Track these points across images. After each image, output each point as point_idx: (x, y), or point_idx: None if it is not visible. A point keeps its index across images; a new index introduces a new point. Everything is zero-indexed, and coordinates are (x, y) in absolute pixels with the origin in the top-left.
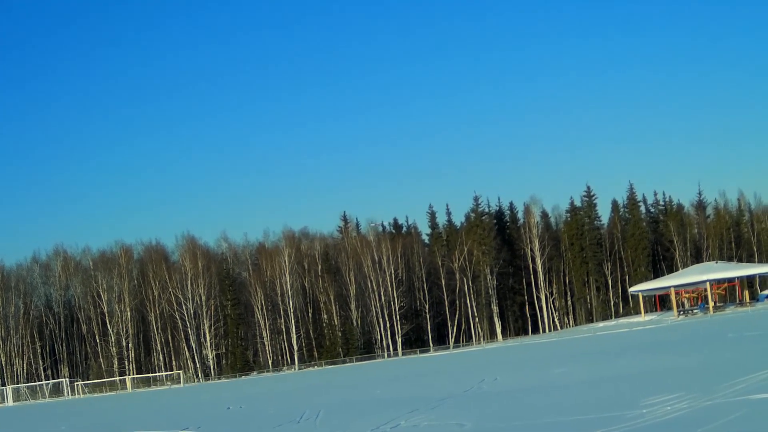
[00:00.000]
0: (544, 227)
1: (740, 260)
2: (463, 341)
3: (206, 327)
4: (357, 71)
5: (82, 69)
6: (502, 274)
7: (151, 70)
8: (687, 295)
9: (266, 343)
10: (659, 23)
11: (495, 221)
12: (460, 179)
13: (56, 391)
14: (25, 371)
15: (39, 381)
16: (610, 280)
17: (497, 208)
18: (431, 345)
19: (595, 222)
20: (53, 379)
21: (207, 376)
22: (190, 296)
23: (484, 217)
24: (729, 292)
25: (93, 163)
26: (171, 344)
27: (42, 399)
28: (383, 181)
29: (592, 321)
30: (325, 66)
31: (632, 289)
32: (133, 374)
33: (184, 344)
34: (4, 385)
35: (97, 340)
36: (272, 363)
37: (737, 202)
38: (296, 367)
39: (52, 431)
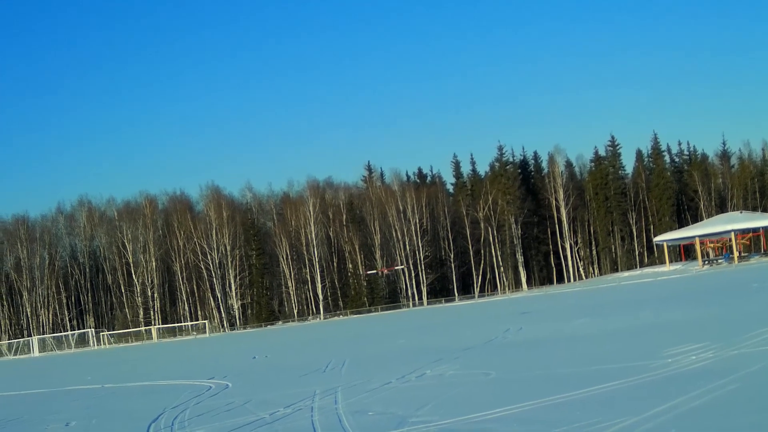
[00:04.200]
0: (568, 177)
1: (765, 210)
2: (488, 291)
3: (231, 277)
4: (380, 16)
5: (97, 17)
6: (527, 223)
7: (165, 14)
8: (711, 245)
9: (291, 292)
10: None
11: (519, 171)
12: (485, 129)
13: (82, 341)
14: (50, 322)
15: (65, 332)
16: (634, 230)
17: (521, 158)
18: (456, 294)
19: (620, 172)
20: (79, 329)
21: (232, 326)
22: (215, 246)
23: (508, 167)
24: (753, 242)
25: (117, 114)
26: (196, 294)
27: (68, 349)
28: (407, 131)
29: (616, 271)
30: (347, 11)
31: (657, 239)
32: (159, 324)
33: (210, 294)
34: (30, 335)
35: (123, 291)
36: (297, 313)
37: (761, 152)
38: (321, 316)
39: (78, 382)
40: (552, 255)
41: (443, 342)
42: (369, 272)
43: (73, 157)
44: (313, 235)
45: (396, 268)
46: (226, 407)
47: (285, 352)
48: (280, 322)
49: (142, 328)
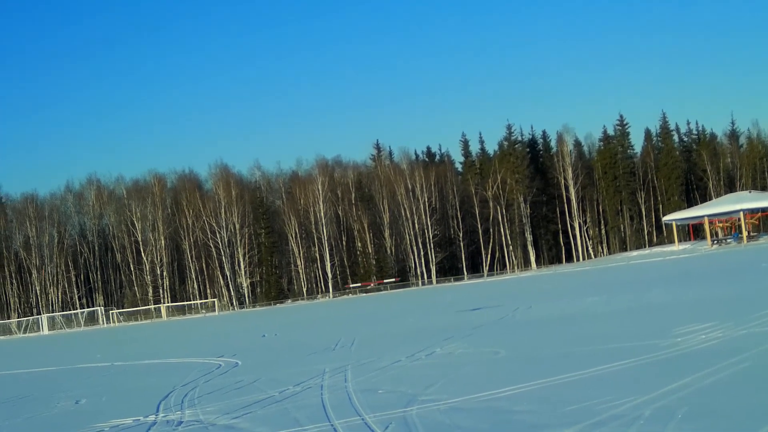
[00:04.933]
0: (577, 156)
1: None
2: (497, 269)
3: (240, 255)
4: None
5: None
6: (536, 202)
7: None
8: (720, 225)
9: (300, 271)
10: None
11: (528, 150)
12: (493, 108)
13: (91, 319)
14: (60, 300)
15: (74, 310)
16: (643, 209)
17: (530, 137)
18: (465, 273)
19: (628, 151)
20: (88, 307)
21: (241, 304)
22: (224, 225)
23: (517, 146)
24: (762, 222)
25: (126, 92)
26: (205, 272)
27: (77, 327)
28: (416, 110)
29: (625, 250)
30: None
31: (666, 218)
32: (168, 303)
33: (219, 273)
34: (39, 314)
35: (132, 269)
36: (306, 291)
37: None
38: (330, 295)
39: (87, 360)
40: (561, 234)
41: (453, 320)
42: (353, 285)
43: (82, 135)
44: (322, 214)
45: (386, 281)
46: (235, 385)
47: (294, 331)
48: (290, 301)
49: (152, 307)
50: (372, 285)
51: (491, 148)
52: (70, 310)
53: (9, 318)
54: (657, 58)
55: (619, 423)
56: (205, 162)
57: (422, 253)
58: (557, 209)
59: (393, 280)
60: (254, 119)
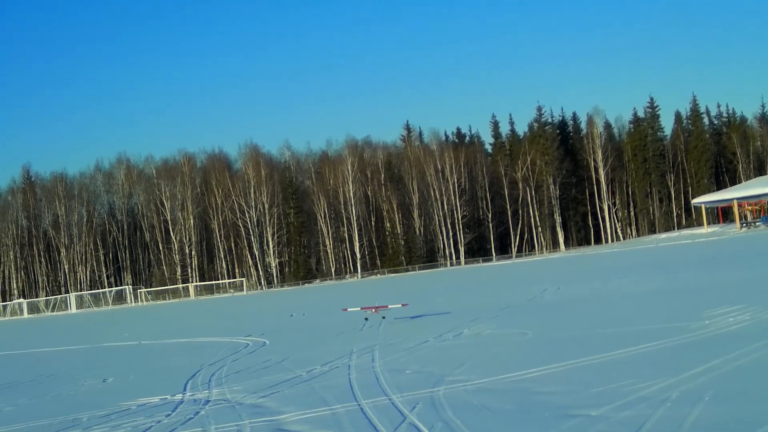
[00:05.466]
0: (606, 138)
1: None
2: (525, 251)
3: (269, 235)
4: None
5: None
6: (565, 184)
7: None
8: (749, 208)
9: (329, 251)
10: None
11: (558, 131)
12: (523, 89)
13: (119, 298)
14: (88, 279)
15: (102, 288)
16: (672, 192)
17: (560, 119)
18: (494, 254)
19: (658, 133)
20: (116, 286)
21: (270, 284)
22: (253, 204)
23: (547, 128)
24: None
25: (156, 72)
26: (234, 252)
27: (105, 306)
28: (446, 91)
29: (654, 232)
30: None
31: (695, 201)
32: (196, 282)
33: (247, 252)
34: (67, 292)
35: (160, 248)
36: (335, 271)
37: None
38: (359, 275)
39: (115, 338)
40: (590, 216)
41: (481, 301)
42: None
43: (111, 115)
44: (351, 194)
45: (391, 307)
46: (263, 364)
47: (322, 311)
48: (318, 281)
49: (180, 286)
50: (374, 311)
51: (521, 129)
52: (98, 288)
53: (37, 296)
54: (688, 41)
55: (646, 405)
56: (235, 142)
57: (451, 234)
58: (586, 191)
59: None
60: (284, 99)
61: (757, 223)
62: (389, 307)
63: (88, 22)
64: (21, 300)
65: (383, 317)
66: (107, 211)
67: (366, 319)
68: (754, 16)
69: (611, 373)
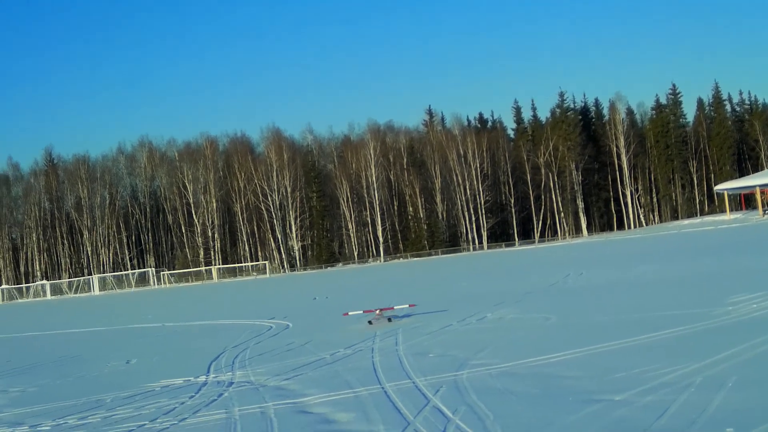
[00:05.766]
0: (629, 124)
1: None
2: (548, 236)
3: (292, 218)
4: None
5: None
6: (587, 170)
7: None
8: None
9: (352, 235)
10: None
11: (580, 117)
12: (546, 75)
13: (142, 280)
14: (111, 261)
15: (125, 271)
16: (695, 178)
17: (582, 104)
18: (516, 239)
19: (681, 120)
20: (139, 268)
21: (292, 267)
22: (275, 188)
23: (569, 113)
24: None
25: (178, 54)
26: (256, 235)
27: (128, 288)
28: (468, 76)
29: (677, 218)
30: None
31: (717, 188)
32: (219, 265)
33: (270, 235)
34: (90, 274)
35: (183, 231)
36: (357, 255)
37: None
38: (381, 259)
39: (138, 320)
40: (612, 202)
41: (504, 285)
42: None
43: (133, 97)
44: (374, 178)
45: (397, 308)
46: (286, 347)
47: (345, 294)
48: (340, 264)
49: (203, 268)
50: (378, 314)
51: (543, 115)
52: (120, 271)
53: (60, 278)
54: (710, 27)
55: (669, 390)
56: (257, 125)
57: (473, 218)
58: (609, 177)
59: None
60: (307, 83)
61: None
62: (395, 308)
63: (112, 5)
64: (44, 281)
65: (389, 319)
66: (130, 193)
67: (370, 322)
68: None
69: (634, 358)
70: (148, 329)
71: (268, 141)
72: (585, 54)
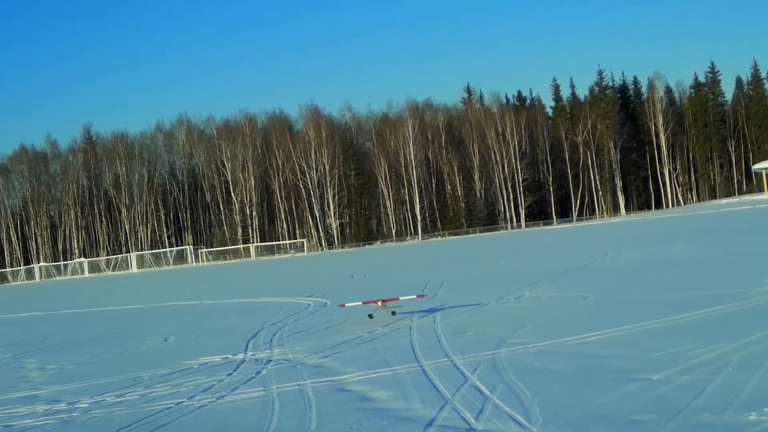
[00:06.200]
0: (667, 103)
1: None
2: (586, 214)
3: (330, 196)
4: None
5: None
6: (626, 148)
7: None
8: None
9: (389, 213)
10: None
11: (619, 96)
12: (584, 53)
13: (180, 258)
14: (149, 239)
15: (163, 248)
16: (733, 157)
17: (621, 83)
18: (554, 218)
19: (719, 98)
20: (177, 246)
21: (330, 245)
22: (313, 165)
23: (607, 91)
24: None
25: (216, 32)
26: (294, 213)
27: (166, 266)
28: (507, 54)
29: (715, 197)
30: None
31: (756, 167)
32: (257, 242)
33: (308, 213)
34: (128, 252)
35: (221, 209)
36: (395, 233)
37: None
38: (419, 237)
39: (176, 298)
40: (650, 180)
41: (541, 264)
42: (349, 304)
43: (172, 75)
44: (412, 156)
45: (402, 299)
46: (324, 325)
47: (383, 272)
48: (378, 242)
49: (241, 246)
50: (380, 305)
51: (582, 93)
52: (158, 248)
53: (98, 256)
54: (749, 5)
55: (706, 370)
56: (296, 103)
57: (511, 197)
58: (647, 155)
59: (417, 296)
60: (345, 60)
61: None
62: (400, 299)
63: None
64: (82, 259)
65: (393, 313)
66: (168, 171)
67: (370, 316)
68: None
69: (672, 337)
70: (186, 307)
71: (307, 118)
72: (624, 32)
